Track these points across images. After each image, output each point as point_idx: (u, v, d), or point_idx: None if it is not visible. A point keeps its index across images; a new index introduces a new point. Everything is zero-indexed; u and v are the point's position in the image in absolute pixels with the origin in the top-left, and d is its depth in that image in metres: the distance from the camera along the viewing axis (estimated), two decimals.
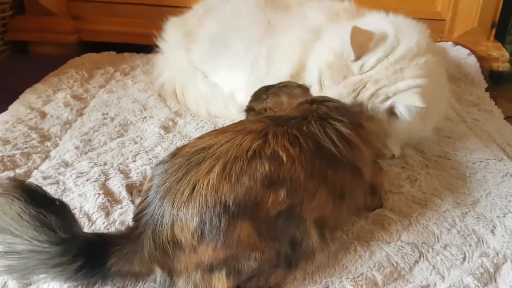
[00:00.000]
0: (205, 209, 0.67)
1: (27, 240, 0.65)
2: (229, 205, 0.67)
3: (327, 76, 1.09)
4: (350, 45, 1.03)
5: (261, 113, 1.03)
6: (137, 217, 0.72)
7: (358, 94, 1.05)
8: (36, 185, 0.72)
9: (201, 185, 0.67)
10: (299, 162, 0.75)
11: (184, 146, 0.78)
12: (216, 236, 0.67)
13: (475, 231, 0.92)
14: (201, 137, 0.79)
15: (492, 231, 0.92)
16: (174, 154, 0.75)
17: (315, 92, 1.10)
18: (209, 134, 0.80)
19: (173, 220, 0.67)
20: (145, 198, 0.72)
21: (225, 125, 0.89)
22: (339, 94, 1.05)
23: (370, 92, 1.04)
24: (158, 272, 0.70)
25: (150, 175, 0.77)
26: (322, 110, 0.89)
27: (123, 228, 0.81)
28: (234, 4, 1.46)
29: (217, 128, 1.30)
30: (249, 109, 1.10)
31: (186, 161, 0.71)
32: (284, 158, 0.73)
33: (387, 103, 1.04)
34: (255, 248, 0.70)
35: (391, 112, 1.06)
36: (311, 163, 0.76)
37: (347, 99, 1.05)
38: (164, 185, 0.70)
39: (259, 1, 1.42)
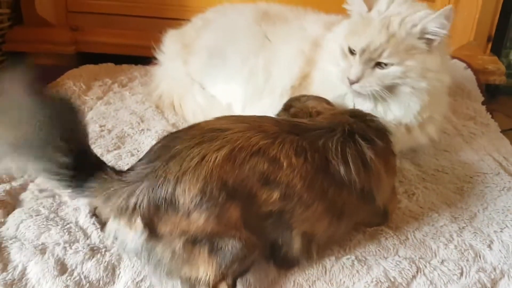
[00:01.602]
0: (209, 179, 0.70)
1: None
2: (228, 184, 0.71)
3: (352, 36, 1.10)
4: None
5: (296, 114, 1.02)
6: (137, 166, 0.74)
7: (388, 28, 1.05)
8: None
9: (209, 158, 0.71)
10: (298, 172, 0.77)
11: (201, 122, 0.81)
12: (212, 208, 0.70)
13: (472, 246, 0.92)
14: (219, 118, 0.82)
15: (489, 246, 0.92)
16: (190, 127, 0.80)
17: (342, 66, 1.11)
18: (227, 117, 0.83)
19: (177, 181, 0.69)
20: (151, 153, 0.75)
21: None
22: (371, 38, 1.05)
23: (397, 22, 1.05)
24: (139, 227, 0.69)
25: (160, 141, 0.80)
26: (359, 126, 0.88)
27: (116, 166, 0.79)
28: (231, 17, 1.47)
29: None
30: (286, 107, 1.09)
31: (201, 134, 0.75)
32: (285, 164, 0.76)
33: (418, 28, 1.04)
34: (239, 234, 0.73)
35: None
36: (312, 177, 0.78)
37: (378, 38, 1.04)
38: (175, 148, 0.73)
39: (256, 15, 1.43)
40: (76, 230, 0.89)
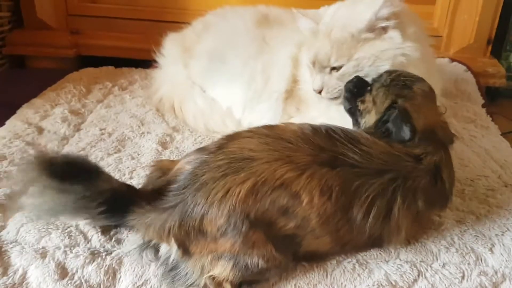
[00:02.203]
0: (232, 212, 0.75)
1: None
2: (251, 216, 0.75)
3: (307, 51, 1.18)
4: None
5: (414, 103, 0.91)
6: (169, 193, 0.78)
7: (330, 35, 1.10)
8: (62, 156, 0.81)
9: (233, 192, 0.75)
10: (317, 210, 0.78)
11: (236, 137, 0.83)
12: (236, 236, 0.75)
13: (473, 249, 0.92)
14: (250, 136, 0.81)
15: (490, 250, 0.92)
16: (219, 148, 0.80)
17: (310, 80, 1.17)
18: (259, 136, 0.81)
19: (204, 213, 0.75)
20: (182, 179, 0.78)
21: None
22: (316, 49, 1.12)
23: (339, 27, 1.09)
24: (173, 246, 0.77)
25: (189, 156, 0.83)
26: (417, 180, 0.85)
27: (149, 188, 0.84)
28: (231, 21, 1.48)
29: None
30: (396, 98, 0.92)
31: (227, 164, 0.77)
32: (305, 201, 0.77)
33: (362, 25, 1.06)
34: (264, 252, 0.77)
35: None
36: (328, 216, 0.79)
37: (322, 47, 1.10)
38: (203, 178, 0.77)
39: (256, 18, 1.43)
40: (77, 234, 0.89)
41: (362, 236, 0.84)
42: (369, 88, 0.98)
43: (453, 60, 1.76)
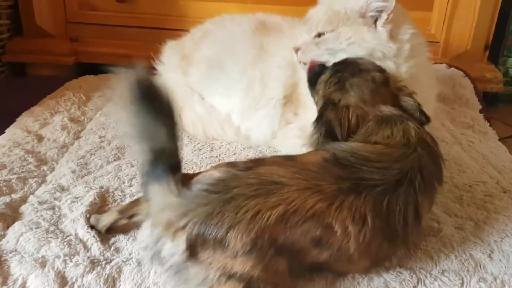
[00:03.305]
0: (259, 234, 0.72)
1: None
2: (278, 242, 0.73)
3: None
4: None
5: (342, 110, 0.96)
6: (195, 186, 0.76)
7: (331, 6, 1.17)
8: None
9: (263, 216, 0.72)
10: (354, 238, 0.77)
11: (261, 163, 0.81)
12: (261, 258, 0.72)
13: (472, 256, 0.92)
14: (277, 164, 0.80)
15: (489, 256, 0.92)
16: (249, 168, 0.79)
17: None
18: (284, 164, 0.80)
19: (231, 227, 0.71)
20: (212, 181, 0.76)
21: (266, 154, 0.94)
22: (314, 11, 1.21)
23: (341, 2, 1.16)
24: (182, 245, 0.72)
25: (219, 167, 0.83)
26: (428, 167, 0.86)
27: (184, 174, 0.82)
28: (230, 28, 1.48)
29: (213, 150, 1.32)
30: (327, 102, 1.00)
31: (258, 184, 0.75)
32: (339, 232, 0.76)
33: (358, 6, 1.12)
34: (281, 283, 0.75)
35: None
36: (368, 243, 0.78)
37: (319, 11, 1.19)
38: (234, 190, 0.74)
39: (253, 26, 1.44)
40: (76, 242, 0.89)
41: (406, 245, 0.86)
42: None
43: (450, 66, 1.77)
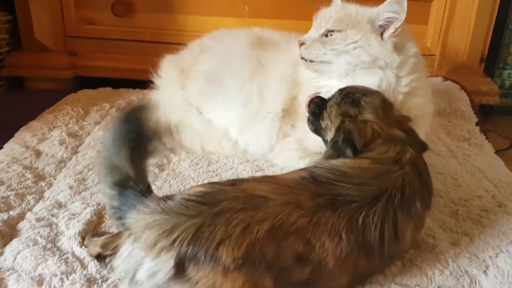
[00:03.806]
0: (250, 248, 0.72)
1: None
2: (267, 257, 0.73)
3: None
4: None
5: (361, 123, 0.97)
6: (177, 199, 0.75)
7: (344, 8, 1.22)
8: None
9: (252, 230, 0.73)
10: (332, 253, 0.78)
11: (243, 180, 0.82)
12: (251, 274, 0.72)
13: (467, 272, 0.92)
14: (257, 181, 0.82)
15: (484, 272, 0.92)
16: (232, 184, 0.80)
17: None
18: (264, 181, 0.82)
19: (223, 239, 0.71)
20: (197, 193, 0.76)
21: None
22: (328, 9, 1.24)
23: (354, 7, 1.21)
24: (169, 261, 0.70)
25: (202, 184, 0.84)
26: (411, 185, 0.88)
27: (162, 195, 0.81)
28: (227, 43, 1.50)
29: (211, 164, 1.32)
30: (344, 116, 1.00)
31: (245, 198, 0.76)
32: (317, 246, 0.77)
33: (370, 13, 1.17)
34: None
35: None
36: (345, 256, 0.79)
37: (331, 9, 1.23)
38: (223, 203, 0.74)
39: (250, 41, 1.46)
40: (73, 260, 0.89)
41: (383, 261, 0.86)
42: (325, 106, 1.05)
43: (446, 79, 1.78)
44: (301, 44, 1.22)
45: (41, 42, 1.90)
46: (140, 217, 0.74)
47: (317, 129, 1.09)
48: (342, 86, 1.11)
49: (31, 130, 1.46)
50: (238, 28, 1.61)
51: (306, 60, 1.22)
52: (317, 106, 1.08)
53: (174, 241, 0.70)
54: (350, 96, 1.02)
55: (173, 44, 1.70)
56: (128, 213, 0.75)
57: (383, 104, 1.02)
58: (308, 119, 1.11)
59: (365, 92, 1.03)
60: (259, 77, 1.39)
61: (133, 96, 1.82)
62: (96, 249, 0.91)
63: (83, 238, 0.95)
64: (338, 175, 0.84)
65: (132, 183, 0.77)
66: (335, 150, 0.96)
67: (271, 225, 0.74)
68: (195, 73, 1.50)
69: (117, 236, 0.90)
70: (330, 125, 1.04)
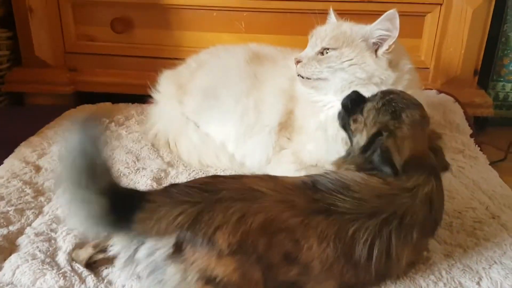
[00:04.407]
0: (245, 238, 0.75)
1: None
2: (259, 249, 0.76)
3: None
4: None
5: (400, 140, 0.92)
6: (184, 188, 0.77)
7: (338, 27, 1.25)
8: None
9: (247, 220, 0.76)
10: (318, 257, 0.80)
11: (243, 176, 0.86)
12: (243, 262, 0.75)
13: (461, 283, 0.93)
14: (258, 178, 0.85)
15: (478, 283, 0.94)
16: (234, 177, 0.85)
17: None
18: (265, 180, 0.85)
19: (219, 226, 0.74)
20: (198, 181, 0.81)
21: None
22: (323, 27, 1.27)
23: (348, 25, 1.24)
24: (168, 243, 0.73)
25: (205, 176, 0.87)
26: (414, 216, 0.87)
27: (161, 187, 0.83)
28: (224, 59, 1.53)
29: None
30: (382, 128, 0.94)
31: (243, 190, 0.80)
32: (305, 248, 0.79)
33: (363, 31, 1.20)
34: None
35: None
36: (331, 263, 0.81)
37: (326, 27, 1.26)
38: (223, 192, 0.78)
39: (247, 56, 1.48)
40: (71, 275, 0.90)
41: (369, 276, 0.86)
42: (362, 107, 0.99)
43: (440, 91, 1.80)
44: (298, 62, 1.24)
45: (41, 58, 1.93)
46: (150, 214, 0.74)
47: (345, 126, 1.04)
48: (338, 101, 1.11)
49: (31, 146, 1.48)
50: (234, 43, 1.65)
51: (303, 77, 1.24)
52: (352, 102, 1.01)
53: (177, 223, 0.73)
54: (393, 105, 0.95)
55: (171, 60, 1.73)
56: (136, 215, 0.73)
57: (422, 120, 0.96)
58: (339, 113, 1.05)
59: (408, 103, 0.96)
60: (256, 91, 1.42)
61: (132, 110, 1.83)
62: (88, 251, 0.92)
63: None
64: (339, 187, 0.85)
65: (121, 184, 0.76)
66: (369, 162, 0.93)
67: (264, 219, 0.77)
68: (192, 88, 1.53)
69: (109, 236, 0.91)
70: (363, 129, 0.97)
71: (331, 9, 1.32)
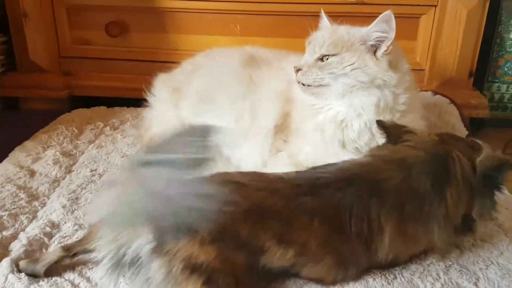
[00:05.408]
0: (225, 226, 0.77)
1: None
2: (241, 236, 0.78)
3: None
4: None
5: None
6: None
7: (335, 31, 1.24)
8: None
9: (227, 210, 0.76)
10: (312, 234, 0.82)
11: (223, 173, 0.90)
12: (223, 249, 0.76)
13: (459, 284, 0.93)
14: (242, 173, 0.92)
15: (475, 284, 0.93)
16: (212, 176, 0.86)
17: None
18: (247, 173, 0.91)
19: (200, 216, 0.74)
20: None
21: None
22: (320, 33, 1.27)
23: (344, 28, 1.23)
24: (147, 236, 0.74)
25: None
26: (390, 183, 0.90)
27: None
28: (220, 62, 1.52)
29: None
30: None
31: (223, 182, 0.84)
32: (297, 227, 0.82)
33: (360, 34, 1.19)
34: (238, 276, 0.78)
35: None
36: (326, 237, 0.83)
37: (324, 33, 1.24)
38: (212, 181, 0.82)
39: (242, 59, 1.48)
40: (63, 280, 0.89)
41: (359, 247, 0.87)
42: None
43: (436, 93, 1.80)
44: (298, 70, 1.23)
45: (36, 63, 1.92)
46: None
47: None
48: (337, 105, 1.20)
49: (26, 150, 1.47)
50: (230, 46, 1.64)
51: (304, 84, 1.23)
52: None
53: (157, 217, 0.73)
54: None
55: (167, 63, 1.72)
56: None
57: None
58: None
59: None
60: (252, 94, 1.41)
61: (127, 114, 1.83)
62: (56, 254, 0.91)
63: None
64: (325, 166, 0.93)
65: None
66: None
67: (247, 207, 0.80)
68: (188, 91, 1.52)
69: (82, 241, 0.91)
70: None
71: (322, 12, 1.32)
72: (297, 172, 0.96)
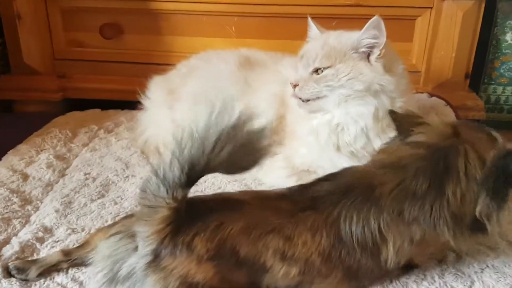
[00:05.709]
0: (223, 245, 0.75)
1: None
2: (240, 256, 0.76)
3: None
4: None
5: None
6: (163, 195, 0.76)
7: (326, 41, 1.23)
8: None
9: (226, 227, 0.76)
10: (315, 250, 0.81)
11: (224, 193, 0.91)
12: (221, 267, 0.75)
13: None
14: (242, 192, 0.90)
15: (470, 287, 0.93)
16: (211, 196, 0.88)
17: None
18: (248, 192, 0.90)
19: (197, 232, 0.75)
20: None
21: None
22: (311, 46, 1.25)
23: (334, 37, 1.22)
24: (147, 252, 0.73)
25: None
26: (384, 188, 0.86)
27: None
28: (215, 64, 1.52)
29: (198, 184, 1.32)
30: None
31: (221, 201, 0.83)
32: (299, 244, 0.80)
33: (351, 41, 1.18)
34: None
35: None
36: (329, 252, 0.81)
37: (316, 46, 1.23)
38: (198, 205, 0.79)
39: (237, 61, 1.47)
40: (56, 285, 0.89)
41: (366, 259, 0.84)
42: None
43: (432, 95, 1.80)
44: (295, 85, 1.22)
45: (30, 65, 1.90)
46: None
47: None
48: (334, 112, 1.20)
49: (19, 154, 1.46)
50: (225, 48, 1.63)
51: (302, 100, 1.22)
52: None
53: (159, 229, 0.74)
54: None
55: (161, 65, 1.71)
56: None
57: None
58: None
59: None
60: (247, 96, 1.41)
61: (122, 117, 1.82)
62: (56, 257, 0.91)
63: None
64: (324, 178, 0.91)
65: None
66: None
67: (245, 224, 0.78)
68: (183, 94, 1.51)
69: (82, 247, 0.91)
70: None
71: (309, 20, 1.30)
72: (298, 185, 0.92)
